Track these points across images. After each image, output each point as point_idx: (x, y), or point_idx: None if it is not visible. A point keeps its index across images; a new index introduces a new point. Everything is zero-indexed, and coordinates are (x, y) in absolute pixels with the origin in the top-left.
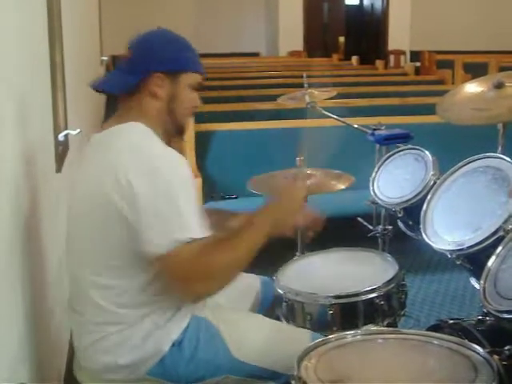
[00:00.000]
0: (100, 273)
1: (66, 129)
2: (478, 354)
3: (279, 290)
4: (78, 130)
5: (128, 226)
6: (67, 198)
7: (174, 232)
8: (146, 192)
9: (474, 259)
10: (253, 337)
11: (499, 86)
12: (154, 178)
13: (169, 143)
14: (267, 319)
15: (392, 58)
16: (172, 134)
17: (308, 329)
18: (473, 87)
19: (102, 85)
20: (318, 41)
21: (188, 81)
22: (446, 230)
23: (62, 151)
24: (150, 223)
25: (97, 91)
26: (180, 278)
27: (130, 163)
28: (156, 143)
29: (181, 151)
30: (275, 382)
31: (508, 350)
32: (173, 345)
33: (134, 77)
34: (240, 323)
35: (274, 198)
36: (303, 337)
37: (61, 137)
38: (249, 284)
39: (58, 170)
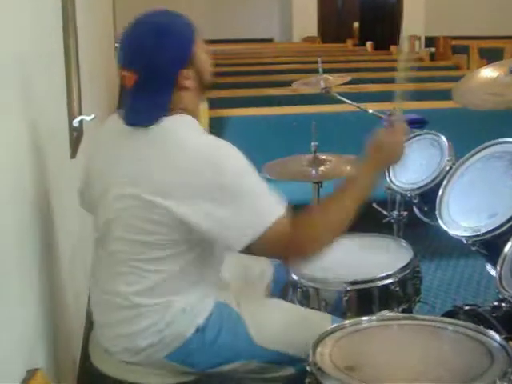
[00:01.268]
0: (137, 261)
1: (80, 114)
2: (494, 340)
3: (294, 276)
4: (93, 116)
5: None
6: (104, 180)
7: (271, 208)
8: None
9: (489, 245)
10: (274, 323)
11: None
12: (232, 175)
13: None
14: (288, 304)
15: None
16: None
17: None
18: (488, 72)
19: (142, 120)
20: (332, 26)
21: (200, 49)
22: (462, 216)
23: (76, 137)
24: (244, 213)
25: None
26: (286, 245)
27: (202, 166)
28: (207, 137)
29: None
30: (295, 367)
31: None
32: (197, 330)
33: (165, 92)
34: (262, 309)
35: (375, 150)
36: (324, 321)
37: (75, 122)
38: (262, 269)
39: (73, 156)
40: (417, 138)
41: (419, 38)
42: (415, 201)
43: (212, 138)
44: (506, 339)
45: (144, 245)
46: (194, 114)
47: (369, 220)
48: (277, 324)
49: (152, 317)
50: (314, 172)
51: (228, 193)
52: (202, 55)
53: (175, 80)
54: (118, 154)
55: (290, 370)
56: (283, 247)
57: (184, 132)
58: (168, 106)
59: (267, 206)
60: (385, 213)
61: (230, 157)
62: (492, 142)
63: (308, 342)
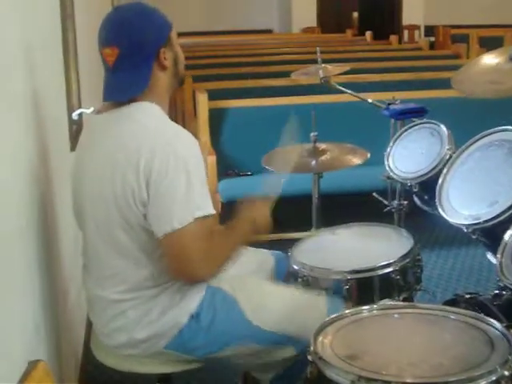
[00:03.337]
0: (120, 253)
1: (79, 107)
2: (495, 328)
3: (294, 266)
4: (92, 109)
5: (143, 204)
6: (75, 175)
7: (186, 210)
8: (163, 173)
9: (490, 233)
10: (270, 303)
11: None
12: (172, 159)
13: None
14: (283, 286)
15: (406, 32)
16: (175, 89)
17: None
18: (488, 60)
19: (120, 95)
20: (331, 17)
21: (175, 37)
22: (462, 204)
23: (76, 130)
24: (162, 203)
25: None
26: (185, 256)
27: (148, 145)
28: (169, 123)
29: (195, 129)
30: (294, 347)
31: None
32: (191, 317)
33: (145, 67)
34: (257, 291)
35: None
36: (320, 301)
37: (75, 115)
38: (263, 259)
39: (73, 148)
40: (416, 127)
41: (418, 28)
42: (415, 190)
43: (172, 125)
44: (507, 327)
45: (124, 237)
46: (164, 102)
47: (369, 209)
48: (273, 305)
49: (140, 308)
50: (314, 162)
51: (159, 181)
52: (177, 45)
53: (155, 56)
54: (91, 146)
55: (290, 351)
56: (187, 256)
57: (148, 117)
58: (147, 82)
59: (187, 207)
60: (385, 202)
61: (179, 148)
62: (491, 130)
63: (305, 323)
